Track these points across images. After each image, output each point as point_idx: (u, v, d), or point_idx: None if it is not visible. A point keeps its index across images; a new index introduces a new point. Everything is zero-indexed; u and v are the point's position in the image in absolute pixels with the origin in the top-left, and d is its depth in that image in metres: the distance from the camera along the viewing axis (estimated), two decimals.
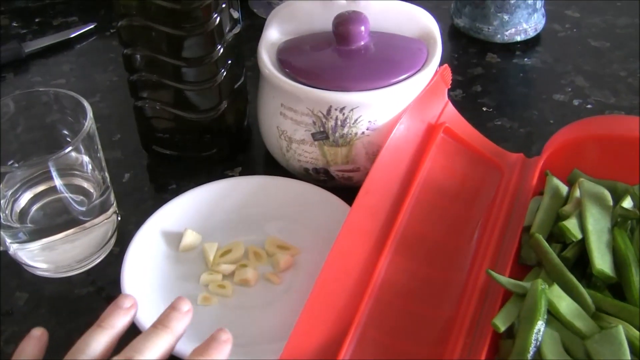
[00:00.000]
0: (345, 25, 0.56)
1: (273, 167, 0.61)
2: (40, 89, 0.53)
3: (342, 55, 0.57)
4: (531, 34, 0.76)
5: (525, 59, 0.74)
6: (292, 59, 0.57)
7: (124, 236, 0.56)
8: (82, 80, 0.74)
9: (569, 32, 0.78)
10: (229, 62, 0.58)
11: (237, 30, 0.59)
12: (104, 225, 0.55)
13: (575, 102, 0.68)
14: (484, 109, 0.68)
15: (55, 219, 0.53)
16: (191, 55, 0.56)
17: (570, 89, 0.70)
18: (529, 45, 0.76)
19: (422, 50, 0.57)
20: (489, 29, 0.75)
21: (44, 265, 0.54)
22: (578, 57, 0.74)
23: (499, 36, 0.75)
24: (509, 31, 0.75)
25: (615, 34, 0.77)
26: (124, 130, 0.66)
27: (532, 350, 0.43)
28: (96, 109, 0.69)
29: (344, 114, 0.54)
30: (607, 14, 0.80)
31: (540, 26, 0.76)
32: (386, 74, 0.55)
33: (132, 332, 0.47)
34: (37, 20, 0.82)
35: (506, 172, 0.57)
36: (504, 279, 0.47)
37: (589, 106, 0.68)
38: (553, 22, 0.79)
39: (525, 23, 0.75)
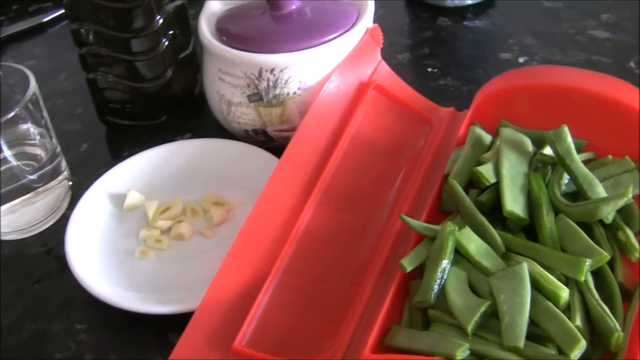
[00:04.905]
0: None
1: (220, 131, 0.64)
2: None
3: (274, 20, 0.59)
4: None
5: (477, 22, 0.75)
6: (229, 26, 0.60)
7: (77, 200, 0.59)
8: (51, 61, 0.77)
9: None
10: (171, 32, 0.61)
11: (179, 2, 0.62)
12: (56, 190, 0.58)
13: (521, 60, 0.69)
14: (429, 69, 0.70)
15: (9, 185, 0.57)
16: (132, 27, 0.59)
17: (517, 48, 0.71)
18: (482, 8, 0.77)
19: (353, 12, 0.59)
20: None
21: (5, 229, 0.58)
22: (529, 18, 0.75)
23: (449, 0, 0.76)
24: None
25: None
26: (85, 104, 0.69)
27: (436, 287, 0.45)
28: (62, 86, 0.73)
29: (274, 75, 0.57)
30: None
31: None
32: (314, 35, 0.57)
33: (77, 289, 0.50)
34: (14, 7, 0.86)
35: (435, 126, 0.59)
36: (416, 223, 0.49)
37: (534, 63, 0.69)
38: None
39: None
